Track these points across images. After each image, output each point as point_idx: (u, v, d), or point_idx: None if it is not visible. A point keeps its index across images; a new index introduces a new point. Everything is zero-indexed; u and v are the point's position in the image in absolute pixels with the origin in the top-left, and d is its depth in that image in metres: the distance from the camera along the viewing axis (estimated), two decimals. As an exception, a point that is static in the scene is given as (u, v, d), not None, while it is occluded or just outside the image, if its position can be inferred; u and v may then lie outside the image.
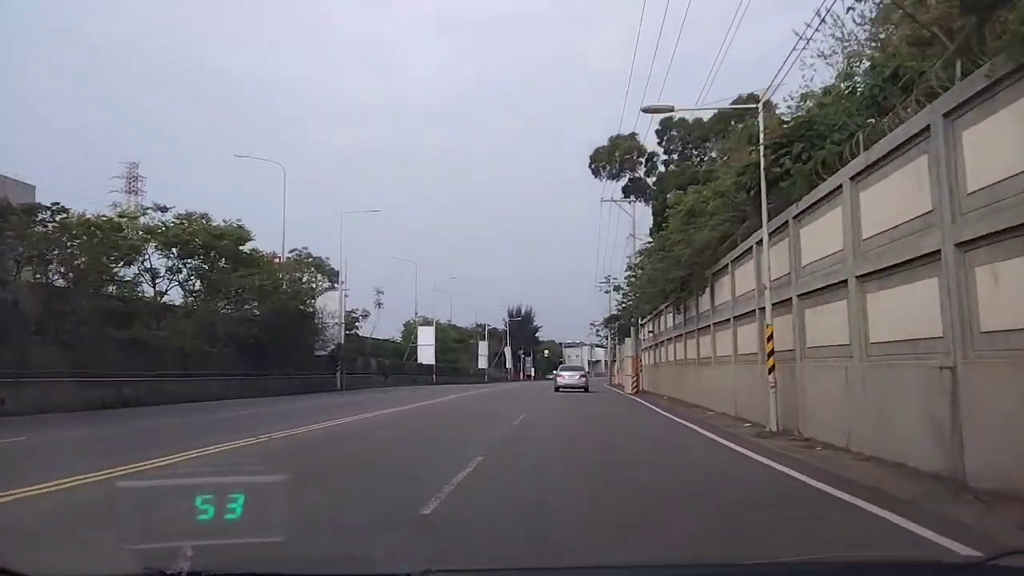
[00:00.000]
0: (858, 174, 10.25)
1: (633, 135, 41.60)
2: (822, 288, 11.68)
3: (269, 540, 1.70)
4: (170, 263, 29.94)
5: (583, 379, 40.59)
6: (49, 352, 20.03)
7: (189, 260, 30.61)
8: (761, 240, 15.19)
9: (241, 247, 32.61)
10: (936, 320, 8.07)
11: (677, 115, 40.43)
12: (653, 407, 23.43)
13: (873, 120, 11.03)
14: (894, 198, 9.26)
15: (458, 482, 7.37)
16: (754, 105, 13.89)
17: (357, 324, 50.29)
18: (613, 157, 42.28)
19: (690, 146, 40.34)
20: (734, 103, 35.86)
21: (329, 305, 41.76)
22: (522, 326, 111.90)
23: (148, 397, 23.27)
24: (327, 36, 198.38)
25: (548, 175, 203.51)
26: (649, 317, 36.80)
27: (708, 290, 21.06)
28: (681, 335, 26.71)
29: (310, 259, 41.66)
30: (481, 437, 12.97)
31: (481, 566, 3.95)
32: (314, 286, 40.78)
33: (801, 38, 13.78)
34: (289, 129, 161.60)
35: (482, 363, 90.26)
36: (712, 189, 19.98)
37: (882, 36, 11.17)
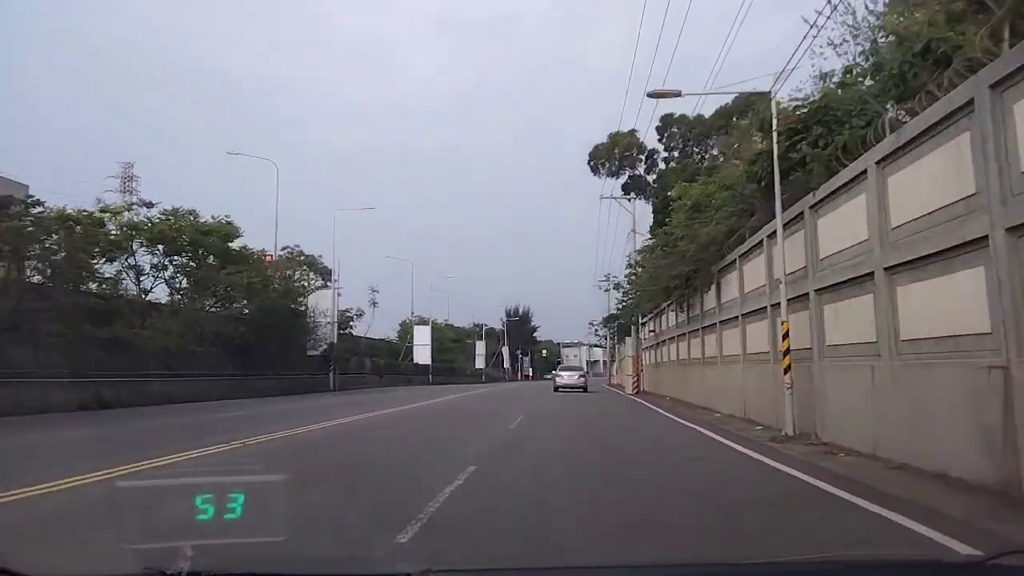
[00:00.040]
0: (886, 157, 9.41)
1: (633, 132, 40.83)
2: (844, 282, 10.85)
3: (269, 540, 1.68)
4: (156, 260, 29.02)
5: (582, 379, 40.49)
6: (23, 352, 19.11)
7: (176, 257, 29.68)
8: (773, 233, 14.42)
9: (230, 244, 31.66)
10: (982, 314, 7.24)
11: (678, 112, 39.74)
12: (656, 408, 22.65)
13: (896, 102, 10.21)
14: (929, 182, 8.43)
15: (458, 483, 7.30)
16: (766, 90, 13.05)
17: (351, 324, 49.47)
18: (613, 154, 41.48)
19: (691, 143, 39.58)
20: (737, 98, 35.16)
21: (321, 304, 40.83)
22: (520, 326, 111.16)
23: (130, 398, 22.30)
24: (327, 36, 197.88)
25: (548, 175, 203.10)
26: (650, 316, 36.01)
27: (714, 287, 20.25)
28: (684, 334, 25.91)
29: (302, 257, 40.77)
30: (481, 437, 12.79)
31: (481, 566, 3.98)
32: (306, 284, 39.85)
33: (813, 25, 13.02)
34: (289, 129, 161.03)
35: (479, 363, 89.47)
36: (719, 181, 19.14)
37: (902, 18, 10.33)
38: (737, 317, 17.70)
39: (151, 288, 29.45)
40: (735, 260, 17.82)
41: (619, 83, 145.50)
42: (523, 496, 7.11)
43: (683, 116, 38.08)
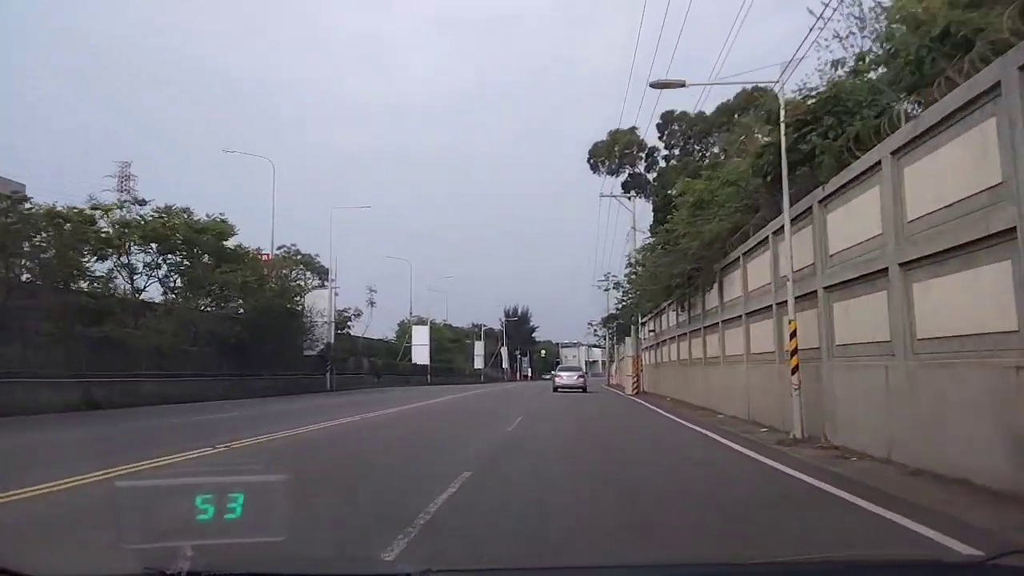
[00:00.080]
0: (902, 147, 8.99)
1: (633, 129, 40.39)
2: (855, 279, 10.43)
3: (269, 540, 1.67)
4: (149, 259, 28.53)
5: (581, 379, 40.36)
6: (10, 351, 18.66)
7: (170, 256, 29.20)
8: (778, 229, 14.03)
9: (224, 242, 31.17)
10: (1008, 311, 6.82)
11: (679, 110, 39.32)
12: (658, 409, 22.24)
13: (908, 92, 9.79)
14: (950, 172, 8.01)
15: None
16: (773, 81, 12.64)
17: (349, 323, 48.94)
18: (612, 152, 41.03)
19: (692, 140, 39.12)
20: (738, 95, 34.73)
21: (318, 303, 40.34)
22: (518, 326, 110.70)
23: (121, 399, 21.82)
24: (327, 36, 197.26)
25: (547, 175, 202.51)
26: (650, 315, 35.59)
27: (716, 285, 19.83)
28: (686, 333, 25.48)
29: (299, 256, 40.29)
30: (481, 438, 12.72)
31: (481, 566, 3.99)
32: (302, 284, 39.39)
33: (819, 17, 12.62)
34: (289, 129, 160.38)
35: (478, 363, 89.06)
36: (723, 176, 18.71)
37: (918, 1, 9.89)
38: (740, 316, 17.28)
39: (144, 287, 29.03)
40: (739, 258, 17.40)
41: (619, 83, 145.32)
42: (523, 496, 7.11)
43: (684, 113, 37.68)
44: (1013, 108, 6.74)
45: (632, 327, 40.92)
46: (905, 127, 8.83)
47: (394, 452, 10.98)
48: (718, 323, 19.75)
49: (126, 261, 27.51)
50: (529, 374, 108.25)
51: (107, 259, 26.47)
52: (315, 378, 39.25)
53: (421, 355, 66.37)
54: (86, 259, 24.54)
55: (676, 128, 39.07)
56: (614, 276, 43.59)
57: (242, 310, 31.71)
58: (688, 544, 5.14)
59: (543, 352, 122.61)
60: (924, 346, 8.53)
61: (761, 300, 15.53)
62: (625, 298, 38.84)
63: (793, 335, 12.03)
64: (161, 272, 29.18)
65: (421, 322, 69.37)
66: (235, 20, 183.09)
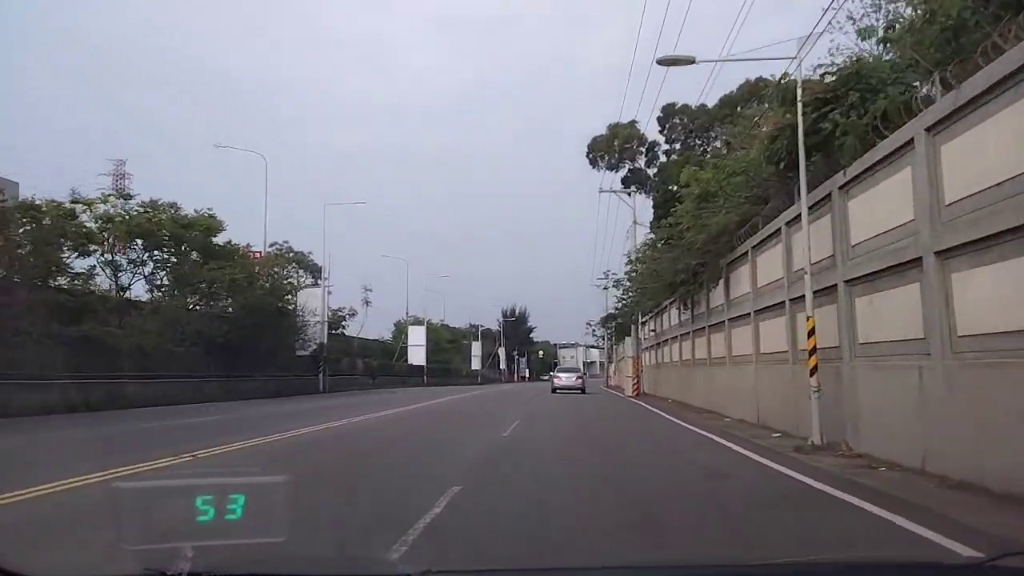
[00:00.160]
0: (939, 122, 8.09)
1: (633, 123, 39.58)
2: (881, 271, 9.53)
3: (269, 541, 1.65)
4: (135, 255, 27.58)
5: (580, 380, 39.90)
6: (-20, 351, 17.74)
7: (156, 252, 28.27)
8: (791, 220, 13.22)
9: (213, 238, 30.22)
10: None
11: (680, 103, 38.46)
12: (660, 412, 21.39)
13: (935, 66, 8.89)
14: (995, 147, 7.12)
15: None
16: (790, 57, 11.74)
17: (343, 323, 48.06)
18: (612, 146, 40.20)
19: (693, 134, 38.32)
20: (741, 86, 33.89)
21: (311, 302, 39.38)
22: (516, 327, 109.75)
23: (101, 401, 20.91)
24: (327, 36, 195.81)
25: (547, 175, 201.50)
26: (651, 314, 34.69)
27: (723, 282, 18.93)
28: (688, 333, 24.58)
29: (291, 253, 39.36)
30: (480, 439, 12.67)
31: (481, 566, 4.01)
32: (294, 282, 38.43)
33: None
34: (289, 129, 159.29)
35: (475, 364, 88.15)
36: (731, 166, 17.80)
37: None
38: (749, 314, 16.39)
39: (130, 285, 28.10)
40: (747, 252, 16.52)
41: (619, 83, 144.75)
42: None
43: (686, 106, 36.85)
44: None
45: (632, 327, 40.03)
46: (945, 99, 7.93)
47: (393, 452, 11.04)
48: (724, 321, 18.86)
49: (110, 258, 26.59)
50: (527, 375, 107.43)
51: (90, 255, 25.54)
52: (307, 379, 38.34)
53: (417, 356, 65.52)
54: (66, 255, 23.59)
55: (677, 121, 38.27)
56: (614, 274, 42.69)
57: (231, 309, 30.76)
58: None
59: (541, 353, 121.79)
60: (966, 343, 7.63)
61: (772, 296, 14.64)
62: (625, 296, 37.94)
63: (811, 333, 11.12)
64: (147, 269, 28.28)
65: (418, 322, 68.47)
66: (235, 20, 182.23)
